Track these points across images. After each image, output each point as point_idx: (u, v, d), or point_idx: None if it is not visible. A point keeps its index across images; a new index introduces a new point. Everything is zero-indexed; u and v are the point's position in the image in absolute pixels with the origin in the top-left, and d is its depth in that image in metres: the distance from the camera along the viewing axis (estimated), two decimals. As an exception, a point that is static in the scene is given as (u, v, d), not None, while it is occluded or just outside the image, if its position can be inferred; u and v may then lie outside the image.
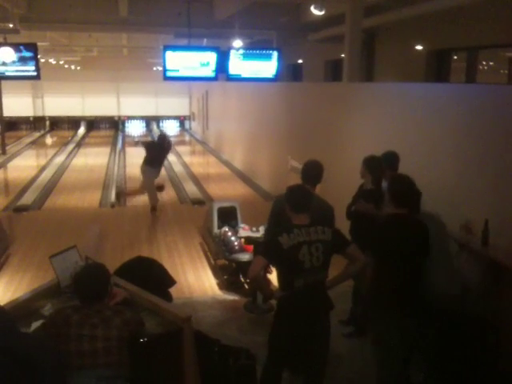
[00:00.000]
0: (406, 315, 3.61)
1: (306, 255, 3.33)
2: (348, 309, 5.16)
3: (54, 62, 22.90)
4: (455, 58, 10.32)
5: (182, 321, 3.31)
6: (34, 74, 10.07)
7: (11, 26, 12.68)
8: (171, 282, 4.91)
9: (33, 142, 22.07)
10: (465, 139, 5.05)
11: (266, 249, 3.58)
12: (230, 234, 6.74)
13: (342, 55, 9.01)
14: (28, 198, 11.05)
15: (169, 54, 8.95)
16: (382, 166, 4.88)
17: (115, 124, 26.80)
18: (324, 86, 10.42)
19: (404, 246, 3.58)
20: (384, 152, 5.11)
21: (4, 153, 17.34)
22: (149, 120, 27.18)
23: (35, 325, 3.22)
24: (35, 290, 3.77)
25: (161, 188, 10.18)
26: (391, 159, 5.02)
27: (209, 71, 9.10)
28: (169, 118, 27.59)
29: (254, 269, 3.42)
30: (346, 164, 7.41)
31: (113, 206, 10.59)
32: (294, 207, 3.50)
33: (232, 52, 9.15)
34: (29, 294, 3.70)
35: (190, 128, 26.57)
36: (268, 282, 4.06)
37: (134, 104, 26.53)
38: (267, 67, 9.05)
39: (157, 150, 9.90)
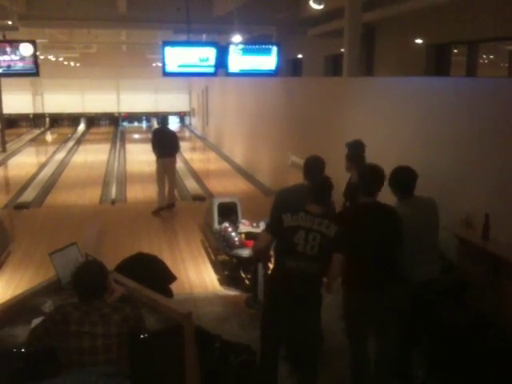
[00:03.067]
0: (368, 290, 3.74)
1: (301, 239, 3.44)
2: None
3: (53, 59, 22.87)
4: (455, 51, 10.29)
5: (183, 317, 3.31)
6: (33, 70, 10.06)
7: (10, 23, 12.67)
8: (172, 278, 4.91)
9: (33, 139, 22.07)
10: (465, 133, 5.04)
11: (271, 223, 3.89)
12: (230, 229, 6.74)
13: (342, 50, 8.97)
14: (28, 196, 11.05)
15: (168, 50, 8.91)
16: (363, 157, 5.01)
17: (115, 120, 26.78)
18: (324, 81, 10.39)
19: (366, 232, 3.73)
20: (350, 141, 5.24)
21: (4, 150, 17.33)
22: (149, 116, 27.16)
23: (35, 322, 3.22)
24: (36, 286, 3.78)
25: (171, 206, 9.57)
26: (357, 147, 5.16)
27: (208, 67, 9.07)
28: (169, 114, 27.50)
29: (259, 243, 3.80)
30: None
31: (113, 202, 10.59)
32: (315, 198, 3.61)
33: (231, 47, 9.11)
34: (29, 291, 3.70)
35: (190, 124, 26.54)
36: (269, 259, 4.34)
37: (134, 100, 26.50)
38: (267, 62, 9.01)
39: (158, 136, 9.73)
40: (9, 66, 9.93)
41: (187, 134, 24.63)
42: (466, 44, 9.64)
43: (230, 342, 3.86)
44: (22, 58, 9.91)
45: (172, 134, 9.95)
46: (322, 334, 4.10)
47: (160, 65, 9.93)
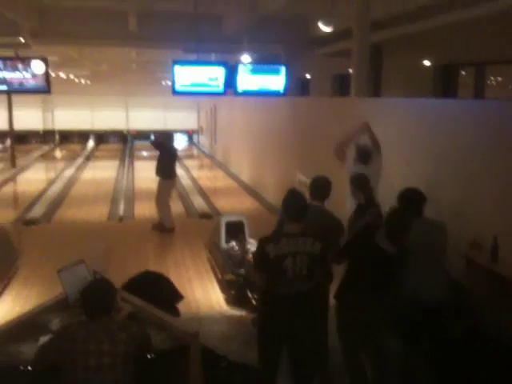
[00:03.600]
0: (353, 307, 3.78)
1: (289, 265, 3.50)
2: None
3: (64, 76, 23.12)
4: (463, 73, 10.34)
5: (190, 336, 3.31)
6: (45, 88, 10.20)
7: (22, 40, 12.87)
8: (179, 296, 4.91)
9: (42, 156, 22.24)
10: (472, 155, 5.05)
11: (256, 258, 3.82)
12: (237, 248, 6.74)
13: (350, 69, 9.04)
14: (37, 211, 11.11)
15: (178, 69, 9.04)
16: (367, 181, 5.04)
17: (124, 137, 26.97)
18: (331, 101, 10.45)
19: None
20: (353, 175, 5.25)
21: (14, 166, 17.47)
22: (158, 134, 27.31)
23: (43, 339, 3.23)
24: (43, 304, 3.79)
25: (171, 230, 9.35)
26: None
27: (217, 86, 9.17)
28: (177, 131, 27.74)
29: (260, 283, 3.73)
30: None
31: (121, 219, 10.63)
32: (287, 214, 3.65)
33: (240, 67, 9.23)
34: (37, 309, 3.71)
35: (199, 142, 26.69)
36: None
37: (143, 118, 26.71)
38: (275, 82, 9.11)
39: (166, 155, 9.40)
40: (21, 83, 10.09)
41: (195, 151, 24.76)
42: (473, 65, 9.69)
43: (236, 362, 3.85)
44: (34, 76, 10.06)
45: (176, 153, 9.87)
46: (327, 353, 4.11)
47: (169, 83, 10.03)
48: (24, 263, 7.56)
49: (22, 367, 3.11)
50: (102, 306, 3.05)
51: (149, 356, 3.17)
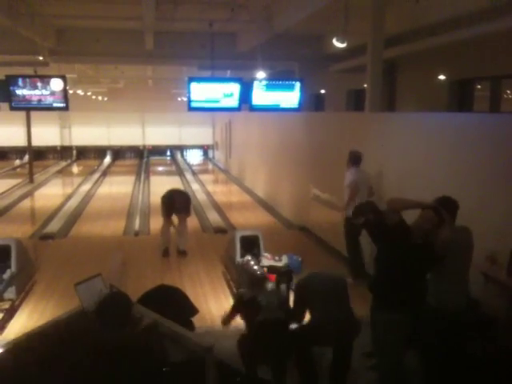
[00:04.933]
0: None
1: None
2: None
3: (81, 93, 23.49)
4: (479, 87, 10.31)
5: (205, 350, 3.32)
6: (63, 105, 10.36)
7: (41, 58, 13.11)
8: (194, 310, 4.92)
9: (59, 171, 22.52)
10: (488, 169, 5.03)
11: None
12: (252, 262, 6.75)
13: (364, 85, 9.07)
14: (54, 226, 11.22)
15: (193, 86, 9.14)
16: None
17: (140, 153, 27.24)
18: (346, 116, 10.48)
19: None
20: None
21: (31, 181, 17.71)
22: (174, 149, 27.69)
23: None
24: (59, 317, 3.82)
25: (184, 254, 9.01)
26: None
27: (232, 102, 9.25)
28: (193, 147, 27.97)
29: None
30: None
31: (136, 234, 10.70)
32: None
33: (255, 83, 9.30)
34: (53, 321, 3.74)
35: (214, 157, 26.85)
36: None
37: (159, 133, 27.00)
38: (290, 98, 9.16)
39: (167, 206, 8.98)
40: (39, 101, 10.27)
41: (210, 166, 24.89)
42: (489, 79, 9.66)
43: (251, 376, 3.85)
44: (53, 93, 10.23)
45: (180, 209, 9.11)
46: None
47: (184, 99, 10.13)
48: (41, 277, 7.63)
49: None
50: (116, 319, 3.08)
51: (164, 369, 3.18)
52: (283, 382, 4.28)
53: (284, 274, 5.79)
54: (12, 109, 10.26)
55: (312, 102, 16.25)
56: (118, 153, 27.22)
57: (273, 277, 6.19)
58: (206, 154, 27.80)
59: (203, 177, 20.04)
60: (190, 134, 27.04)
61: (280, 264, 6.26)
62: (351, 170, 7.35)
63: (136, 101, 25.79)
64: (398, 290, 3.93)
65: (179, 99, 25.16)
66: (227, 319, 4.80)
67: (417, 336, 4.01)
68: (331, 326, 4.23)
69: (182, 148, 27.97)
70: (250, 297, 4.54)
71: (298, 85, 9.18)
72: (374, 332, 4.14)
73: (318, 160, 10.10)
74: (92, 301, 3.65)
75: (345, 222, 7.28)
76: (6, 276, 6.77)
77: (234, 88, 9.14)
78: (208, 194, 15.85)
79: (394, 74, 11.94)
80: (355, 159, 7.38)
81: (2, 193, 15.76)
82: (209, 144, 27.48)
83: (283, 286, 5.63)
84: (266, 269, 6.48)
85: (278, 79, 9.77)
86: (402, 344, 4.01)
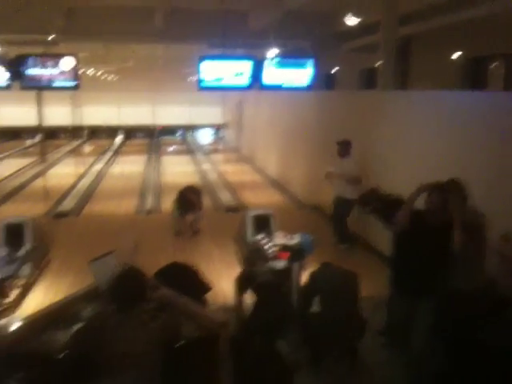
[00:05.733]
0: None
1: None
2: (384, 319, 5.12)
3: (91, 73, 23.42)
4: (493, 65, 10.17)
5: (219, 326, 3.34)
6: (74, 84, 10.35)
7: (51, 37, 13.09)
8: (207, 287, 4.95)
9: (71, 151, 22.60)
10: (501, 147, 4.98)
11: None
12: (264, 241, 6.77)
13: (377, 64, 8.97)
14: (67, 205, 11.32)
15: (204, 64, 9.07)
16: None
17: (151, 133, 27.25)
18: (358, 95, 10.39)
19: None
20: None
21: (44, 161, 17.80)
22: (185, 129, 27.67)
23: (75, 328, 3.31)
24: (75, 293, 3.87)
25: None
26: None
27: (243, 80, 9.18)
28: (203, 126, 27.92)
29: None
30: (380, 172, 7.37)
31: (149, 213, 10.76)
32: None
33: (266, 61, 9.22)
34: (69, 298, 3.80)
35: (225, 136, 26.79)
36: None
37: (170, 113, 26.95)
38: (302, 76, 9.07)
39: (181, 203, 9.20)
40: (50, 80, 10.25)
41: (221, 146, 24.86)
42: (503, 57, 9.53)
43: (263, 351, 3.89)
44: (64, 72, 10.21)
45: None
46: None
47: (195, 78, 10.05)
48: (55, 255, 7.73)
49: (55, 355, 3.19)
50: (132, 294, 3.11)
51: (177, 345, 3.22)
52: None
53: (296, 253, 5.81)
54: (23, 88, 10.25)
55: (323, 82, 16.12)
56: (130, 132, 27.24)
57: (285, 255, 6.21)
58: (217, 133, 27.75)
59: (214, 156, 20.04)
60: (201, 113, 26.94)
61: (292, 242, 6.26)
62: (348, 159, 8.02)
63: (146, 80, 25.70)
64: (417, 275, 3.93)
65: (190, 78, 25.03)
66: (236, 301, 5.00)
67: (439, 321, 4.02)
68: (330, 327, 4.28)
69: (192, 128, 27.93)
70: (248, 272, 4.56)
71: (310, 63, 9.08)
72: (391, 317, 4.16)
73: (330, 139, 10.04)
74: (106, 278, 3.69)
75: (335, 200, 8.17)
76: (20, 253, 6.87)
77: (246, 66, 9.06)
78: (219, 173, 15.86)
79: (408, 51, 11.80)
80: (342, 149, 8.04)
81: (15, 172, 15.88)
82: (220, 123, 27.41)
83: (295, 265, 5.66)
84: (278, 247, 6.49)
85: (290, 57, 9.67)
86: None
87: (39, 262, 7.23)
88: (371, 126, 8.07)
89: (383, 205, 4.56)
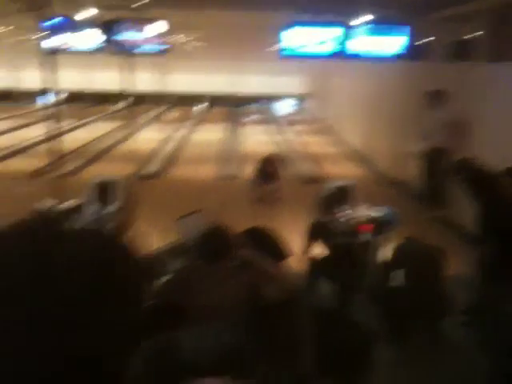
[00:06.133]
0: None
1: None
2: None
3: (179, 40, 23.77)
4: None
5: (301, 290, 3.36)
6: (162, 49, 10.57)
7: (142, 2, 13.35)
8: (287, 253, 4.97)
9: (157, 116, 23.20)
10: None
11: None
12: (345, 213, 6.67)
13: (471, 35, 8.51)
14: (151, 168, 11.69)
15: (289, 31, 8.96)
16: None
17: (232, 102, 27.43)
18: (450, 67, 9.93)
19: None
20: None
21: (130, 125, 18.40)
22: (267, 99, 27.62)
23: (163, 279, 3.43)
24: (163, 247, 4.01)
25: None
26: None
27: (328, 47, 9.00)
28: (285, 96, 27.76)
29: None
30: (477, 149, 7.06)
31: (230, 179, 10.91)
32: None
33: (356, 28, 8.98)
34: (157, 251, 3.94)
35: (308, 107, 26.52)
36: None
37: (252, 82, 26.97)
38: (393, 44, 8.78)
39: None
40: (139, 45, 10.53)
41: (304, 117, 24.66)
42: None
43: (347, 319, 3.88)
44: (152, 38, 10.44)
45: None
46: None
47: (277, 47, 9.96)
48: (141, 214, 8.00)
49: (143, 303, 3.31)
50: (219, 249, 3.18)
51: (260, 304, 3.26)
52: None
53: (381, 225, 5.72)
54: (113, 52, 10.53)
55: (414, 52, 15.53)
56: (214, 100, 27.56)
57: (369, 227, 6.11)
58: (299, 103, 27.52)
59: (296, 127, 19.92)
60: (284, 82, 26.77)
61: (377, 215, 6.14)
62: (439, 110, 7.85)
63: (230, 48, 25.78)
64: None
65: (274, 47, 24.85)
66: (305, 248, 5.21)
67: None
68: (414, 302, 4.18)
69: (274, 97, 27.84)
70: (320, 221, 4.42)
71: (403, 31, 8.76)
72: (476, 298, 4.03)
73: (417, 113, 9.69)
74: (193, 234, 3.78)
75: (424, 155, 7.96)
76: (111, 209, 7.17)
77: (333, 33, 8.88)
78: (300, 143, 15.77)
79: (505, 23, 11.10)
80: (437, 99, 7.89)
81: (103, 135, 16.54)
82: (302, 93, 27.13)
83: (378, 238, 5.57)
84: (360, 219, 6.39)
85: (381, 24, 9.36)
86: None
87: (126, 221, 7.52)
88: (464, 100, 7.70)
89: (476, 176, 4.36)
